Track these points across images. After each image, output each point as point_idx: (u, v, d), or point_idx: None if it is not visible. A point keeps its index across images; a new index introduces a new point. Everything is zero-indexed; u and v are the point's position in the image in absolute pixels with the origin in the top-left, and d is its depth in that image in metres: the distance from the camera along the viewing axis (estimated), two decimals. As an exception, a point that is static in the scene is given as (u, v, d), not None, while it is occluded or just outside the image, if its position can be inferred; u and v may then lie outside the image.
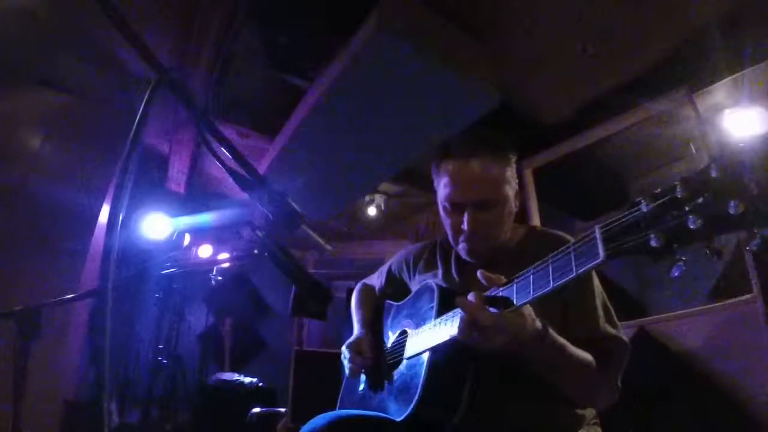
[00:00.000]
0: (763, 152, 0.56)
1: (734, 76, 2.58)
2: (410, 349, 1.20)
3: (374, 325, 1.50)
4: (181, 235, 3.92)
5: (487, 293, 0.96)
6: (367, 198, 4.26)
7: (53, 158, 3.13)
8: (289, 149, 3.11)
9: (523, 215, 3.18)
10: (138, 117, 0.83)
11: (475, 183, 1.20)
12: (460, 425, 1.06)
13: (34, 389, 1.23)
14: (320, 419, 1.12)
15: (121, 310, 3.94)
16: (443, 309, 1.12)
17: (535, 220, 3.34)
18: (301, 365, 3.95)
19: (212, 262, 4.84)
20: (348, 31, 2.39)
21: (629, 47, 2.56)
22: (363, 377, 1.42)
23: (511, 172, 1.26)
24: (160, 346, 4.17)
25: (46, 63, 2.91)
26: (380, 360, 1.37)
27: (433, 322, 1.14)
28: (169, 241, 3.60)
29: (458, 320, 0.94)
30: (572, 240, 1.15)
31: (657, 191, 0.65)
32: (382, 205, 4.31)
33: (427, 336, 1.13)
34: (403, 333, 1.30)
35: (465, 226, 1.21)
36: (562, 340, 1.01)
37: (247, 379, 4.01)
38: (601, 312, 1.14)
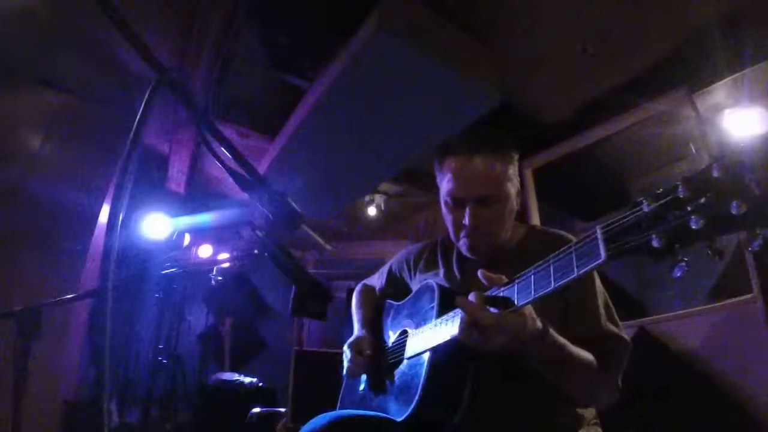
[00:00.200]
0: (765, 152, 0.56)
1: (734, 76, 2.59)
2: (411, 349, 1.20)
3: (374, 325, 1.50)
4: (181, 235, 3.92)
5: (488, 293, 0.96)
6: (367, 198, 4.26)
7: (53, 158, 3.12)
8: (289, 149, 3.11)
9: (523, 215, 3.18)
10: (138, 117, 0.83)
11: (478, 179, 1.21)
12: (460, 425, 1.06)
13: (34, 389, 1.23)
14: (320, 419, 1.11)
15: (121, 310, 3.94)
16: (444, 309, 1.12)
17: (535, 220, 3.34)
18: (301, 365, 3.94)
19: (212, 262, 4.84)
20: (348, 31, 2.39)
21: (629, 47, 2.56)
22: (363, 377, 1.42)
23: (513, 171, 1.27)
24: (160, 346, 4.18)
25: (46, 63, 2.91)
26: (381, 360, 1.37)
27: (433, 321, 1.13)
28: (169, 241, 3.60)
29: (459, 320, 0.94)
30: (573, 239, 1.15)
31: (659, 191, 0.65)
32: (382, 205, 4.31)
33: (428, 336, 1.13)
34: (404, 333, 1.30)
35: (466, 221, 1.21)
36: (562, 339, 1.01)
37: (247, 379, 4.01)
38: (602, 311, 1.14)
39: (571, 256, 0.79)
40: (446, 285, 1.29)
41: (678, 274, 0.64)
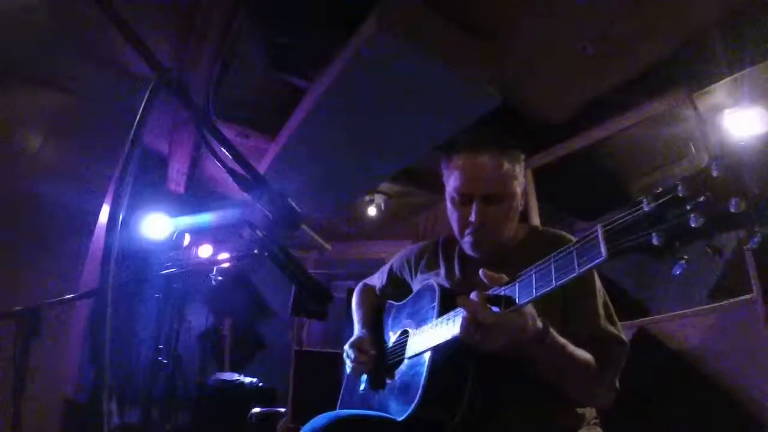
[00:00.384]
0: (763, 152, 0.57)
1: (734, 76, 2.58)
2: (411, 349, 1.20)
3: (375, 325, 1.50)
4: (181, 235, 3.92)
5: (489, 292, 0.96)
6: (367, 198, 4.26)
7: (53, 158, 3.12)
8: (289, 149, 3.11)
9: (523, 215, 3.18)
10: (138, 117, 0.83)
11: (486, 176, 1.22)
12: (460, 425, 1.06)
13: (34, 389, 1.23)
14: (320, 419, 1.12)
15: (121, 310, 3.94)
16: (445, 309, 1.12)
17: (535, 220, 3.34)
18: (301, 365, 3.94)
19: (212, 262, 4.85)
20: (348, 31, 2.39)
21: (629, 47, 2.56)
22: (363, 377, 1.42)
23: (519, 170, 1.28)
24: (160, 346, 4.17)
25: (46, 63, 2.90)
26: (381, 360, 1.37)
27: (434, 321, 1.14)
28: (169, 241, 3.60)
29: (460, 320, 0.94)
30: (573, 239, 1.16)
31: (659, 190, 0.65)
32: (382, 205, 4.31)
33: (429, 335, 1.13)
34: (404, 333, 1.30)
35: (473, 218, 1.22)
36: (562, 339, 1.01)
37: (247, 379, 4.01)
38: (601, 311, 1.15)
39: (572, 255, 0.79)
40: (447, 285, 1.29)
41: (678, 272, 0.65)
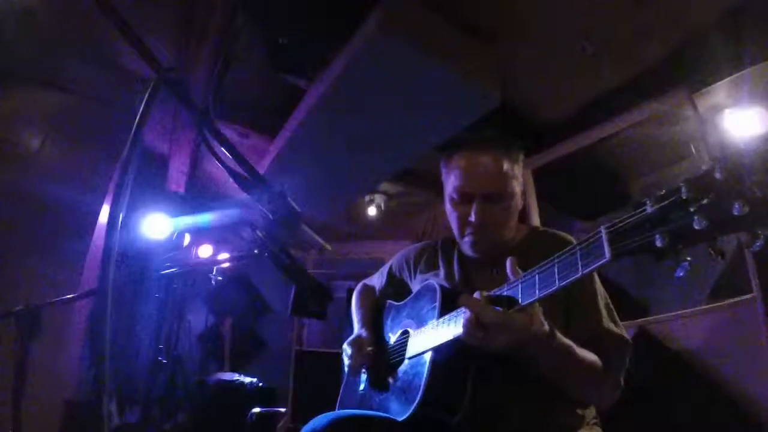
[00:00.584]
0: (765, 154, 0.57)
1: (734, 76, 2.58)
2: (412, 349, 1.20)
3: (375, 325, 1.50)
4: (181, 235, 3.91)
5: (492, 292, 0.96)
6: (367, 198, 4.26)
7: (53, 158, 3.13)
8: (289, 149, 3.11)
9: (523, 215, 3.18)
10: (138, 117, 0.83)
11: (486, 175, 1.22)
12: (461, 425, 1.06)
13: (34, 389, 1.23)
14: (320, 419, 1.11)
15: (121, 310, 3.94)
16: (445, 309, 1.12)
17: (535, 220, 3.34)
18: (301, 365, 3.95)
19: (212, 262, 4.85)
20: (348, 31, 2.39)
21: (629, 47, 2.56)
22: (363, 377, 1.42)
23: (519, 170, 1.28)
24: (160, 346, 4.17)
25: (47, 63, 2.91)
26: (381, 359, 1.37)
27: (435, 321, 1.13)
28: (169, 241, 3.60)
29: (462, 320, 0.94)
30: (573, 240, 1.15)
31: (662, 192, 0.66)
32: (382, 205, 4.31)
33: (430, 336, 1.13)
34: (405, 333, 1.30)
35: (473, 218, 1.22)
36: (568, 342, 1.01)
37: (247, 379, 4.00)
38: (603, 311, 1.14)
39: (576, 256, 0.79)
40: (447, 285, 1.29)
41: (680, 274, 0.65)
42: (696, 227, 0.60)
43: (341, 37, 2.45)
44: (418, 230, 4.66)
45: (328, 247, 1.06)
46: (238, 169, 0.93)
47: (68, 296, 1.37)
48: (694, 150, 2.75)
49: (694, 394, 2.19)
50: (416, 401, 1.07)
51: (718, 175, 0.59)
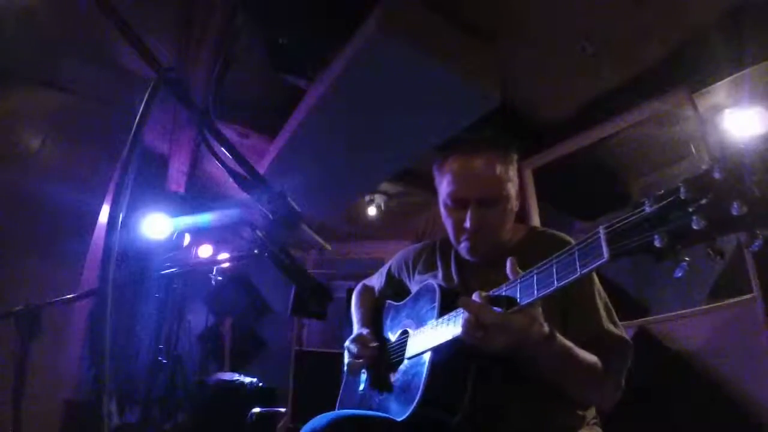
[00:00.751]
0: (764, 154, 0.57)
1: (734, 76, 2.58)
2: (411, 349, 1.20)
3: (374, 326, 1.50)
4: (181, 235, 3.91)
5: (491, 293, 0.96)
6: (367, 198, 4.27)
7: (53, 158, 3.13)
8: (289, 149, 3.11)
9: (523, 215, 3.18)
10: (138, 117, 0.83)
11: (479, 180, 1.21)
12: (461, 425, 1.06)
13: (34, 389, 1.23)
14: (320, 419, 1.11)
15: (121, 310, 3.94)
16: (445, 309, 1.12)
17: (535, 220, 3.34)
18: (301, 365, 3.95)
19: (212, 262, 4.85)
20: (348, 31, 2.39)
21: (629, 47, 2.56)
22: (363, 377, 1.42)
23: (513, 171, 1.27)
24: (160, 346, 4.17)
25: (47, 63, 2.91)
26: (381, 359, 1.37)
27: (434, 321, 1.13)
28: (169, 241, 3.60)
29: (461, 320, 0.94)
30: (571, 240, 1.15)
31: (661, 192, 0.65)
32: (382, 205, 4.31)
33: (429, 336, 1.13)
34: (404, 333, 1.30)
35: (468, 224, 1.21)
36: (568, 343, 1.01)
37: (247, 379, 4.00)
38: (603, 312, 1.14)
39: (574, 256, 0.79)
40: (446, 286, 1.28)
41: (679, 274, 0.65)
42: (695, 227, 0.60)
43: (341, 37, 2.45)
44: (418, 230, 4.66)
45: (328, 247, 1.06)
46: (238, 169, 0.93)
47: (68, 296, 1.36)
48: (694, 150, 2.75)
49: (694, 394, 2.19)
50: (416, 401, 1.07)
51: (717, 175, 0.59)
